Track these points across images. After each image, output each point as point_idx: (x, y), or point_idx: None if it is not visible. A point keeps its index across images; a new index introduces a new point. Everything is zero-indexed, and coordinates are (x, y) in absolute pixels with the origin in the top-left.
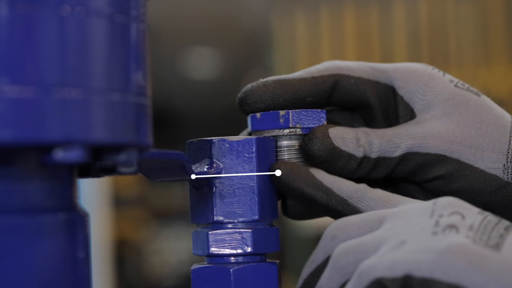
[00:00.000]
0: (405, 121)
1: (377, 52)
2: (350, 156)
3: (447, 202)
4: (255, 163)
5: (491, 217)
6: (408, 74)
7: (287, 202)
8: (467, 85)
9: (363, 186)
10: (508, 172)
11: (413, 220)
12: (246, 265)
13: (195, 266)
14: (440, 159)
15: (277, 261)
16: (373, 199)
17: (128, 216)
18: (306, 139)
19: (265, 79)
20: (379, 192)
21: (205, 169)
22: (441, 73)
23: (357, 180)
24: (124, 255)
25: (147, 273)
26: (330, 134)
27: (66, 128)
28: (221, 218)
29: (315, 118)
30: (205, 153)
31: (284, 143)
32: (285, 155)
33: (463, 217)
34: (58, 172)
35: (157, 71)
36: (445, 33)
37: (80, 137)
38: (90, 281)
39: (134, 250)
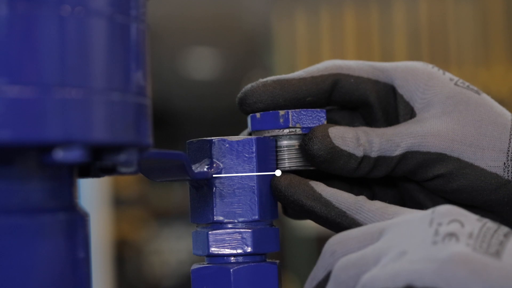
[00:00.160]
0: (405, 120)
1: (377, 52)
2: (350, 155)
3: (445, 210)
4: (255, 163)
5: (490, 224)
6: (408, 73)
7: None
8: (467, 84)
9: (361, 198)
10: (508, 171)
11: (413, 230)
12: (246, 265)
13: (195, 266)
14: (440, 157)
15: (277, 261)
16: (371, 210)
17: (128, 216)
18: (306, 139)
19: (265, 79)
20: (377, 204)
21: (205, 169)
22: (441, 71)
23: (357, 180)
24: (124, 255)
25: (147, 273)
26: (330, 134)
27: (66, 128)
28: (221, 218)
29: (315, 117)
30: (205, 153)
31: (284, 143)
32: (285, 155)
33: (462, 224)
34: (58, 172)
35: (157, 71)
36: (445, 33)
37: (80, 137)
38: (90, 281)
39: (134, 250)
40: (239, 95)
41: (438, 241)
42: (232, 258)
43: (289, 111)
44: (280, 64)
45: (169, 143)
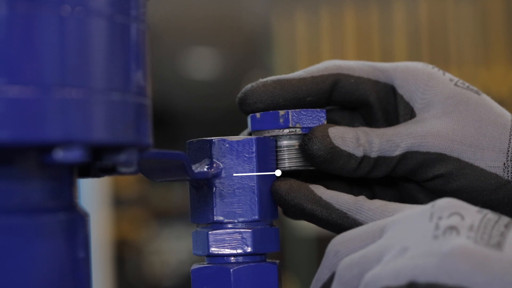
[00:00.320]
0: (405, 120)
1: (377, 52)
2: (350, 155)
3: (445, 203)
4: (255, 163)
5: (490, 215)
6: (408, 73)
7: None
8: (467, 84)
9: (361, 198)
10: (508, 171)
11: (413, 225)
12: (246, 265)
13: (195, 266)
14: (440, 158)
15: (277, 261)
16: (371, 209)
17: (128, 216)
18: (305, 139)
19: (264, 79)
20: (376, 203)
21: (205, 169)
22: (441, 72)
23: (357, 180)
24: (124, 255)
25: (147, 273)
26: (329, 134)
27: (66, 128)
28: (221, 218)
29: (315, 117)
30: (205, 153)
31: (284, 143)
32: (285, 155)
33: (462, 217)
34: (58, 172)
35: (157, 71)
36: (445, 33)
37: (80, 137)
38: (90, 281)
39: (134, 250)
40: (239, 95)
41: (439, 235)
42: (232, 258)
43: (289, 111)
44: (280, 64)
45: (169, 143)
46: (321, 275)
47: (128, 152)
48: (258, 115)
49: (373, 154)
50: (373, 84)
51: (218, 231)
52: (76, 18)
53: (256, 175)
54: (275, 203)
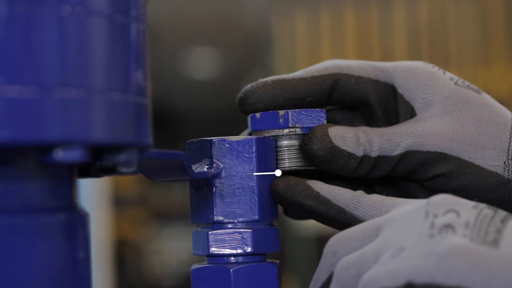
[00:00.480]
0: (406, 119)
1: (377, 52)
2: (350, 155)
3: (440, 200)
4: (255, 163)
5: (486, 210)
6: (408, 72)
7: None
8: (467, 83)
9: (359, 193)
10: (508, 170)
11: (409, 224)
12: (246, 265)
13: (195, 266)
14: (440, 157)
15: (277, 261)
16: (369, 205)
17: (128, 216)
18: (305, 139)
19: (264, 79)
20: (374, 197)
21: (205, 169)
22: (441, 71)
23: (358, 180)
24: (124, 255)
25: (147, 273)
26: (329, 133)
27: (66, 128)
28: (221, 218)
29: (315, 117)
30: (205, 153)
31: (284, 143)
32: (285, 155)
33: (458, 214)
34: (58, 172)
35: (157, 71)
36: (445, 33)
37: (80, 137)
38: (90, 281)
39: (134, 250)
40: (239, 95)
41: (434, 234)
42: (232, 258)
43: (289, 111)
44: (280, 64)
45: (169, 143)
46: (320, 275)
47: (128, 152)
48: (258, 115)
49: (373, 154)
50: (373, 84)
51: (218, 231)
52: (76, 18)
53: (256, 175)
54: (275, 203)
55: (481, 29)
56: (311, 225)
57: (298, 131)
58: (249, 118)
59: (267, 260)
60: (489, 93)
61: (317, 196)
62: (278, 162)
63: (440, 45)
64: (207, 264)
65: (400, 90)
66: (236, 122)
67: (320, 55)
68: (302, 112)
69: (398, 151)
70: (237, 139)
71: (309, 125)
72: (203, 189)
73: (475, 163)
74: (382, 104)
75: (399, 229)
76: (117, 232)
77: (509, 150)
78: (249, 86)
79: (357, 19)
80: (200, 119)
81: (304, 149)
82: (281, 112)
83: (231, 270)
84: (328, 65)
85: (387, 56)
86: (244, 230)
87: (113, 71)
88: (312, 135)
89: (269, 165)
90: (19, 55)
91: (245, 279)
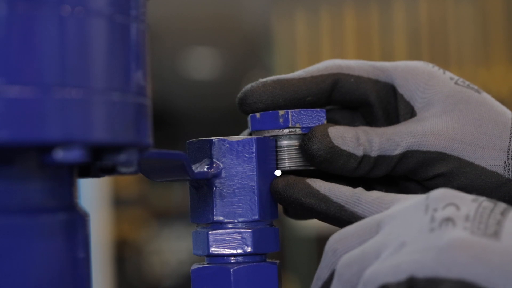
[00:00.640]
0: (406, 119)
1: (377, 52)
2: (350, 155)
3: (440, 194)
4: (255, 163)
5: (486, 203)
6: (408, 72)
7: None
8: (467, 83)
9: (358, 190)
10: (508, 169)
11: (409, 219)
12: (246, 265)
13: (195, 266)
14: (440, 157)
15: (277, 261)
16: (368, 201)
17: (128, 216)
18: (305, 139)
19: (264, 79)
20: (373, 194)
21: (205, 169)
22: (441, 71)
23: (358, 179)
24: (124, 255)
25: (147, 273)
26: (329, 133)
27: (66, 128)
28: (221, 218)
29: (315, 117)
30: (205, 153)
31: (284, 143)
32: (285, 155)
33: (457, 208)
34: (58, 172)
35: (157, 71)
36: (445, 33)
37: (80, 137)
38: (90, 281)
39: (134, 250)
40: (239, 95)
41: (435, 228)
42: (232, 258)
43: (289, 111)
44: (280, 64)
45: (169, 143)
46: (321, 273)
47: (128, 152)
48: (258, 115)
49: (373, 153)
50: (373, 84)
51: (218, 231)
52: (76, 18)
53: (256, 175)
54: (275, 202)
55: (481, 29)
56: (311, 225)
57: (298, 131)
58: (249, 118)
59: (267, 260)
60: (489, 93)
61: (316, 194)
62: (278, 162)
63: (440, 45)
64: (207, 264)
65: (400, 90)
66: (236, 122)
67: (320, 55)
68: (302, 112)
69: (398, 151)
70: (237, 139)
71: (309, 125)
72: (203, 189)
73: (475, 163)
74: (382, 104)
75: (399, 224)
76: (117, 232)
77: (509, 149)
78: (249, 86)
79: (357, 19)
80: (200, 119)
81: (304, 149)
82: (281, 112)
83: (231, 270)
84: (328, 65)
85: (387, 56)
86: (244, 230)
87: (113, 71)
88: (312, 135)
89: (269, 165)
90: (19, 55)
91: (245, 279)
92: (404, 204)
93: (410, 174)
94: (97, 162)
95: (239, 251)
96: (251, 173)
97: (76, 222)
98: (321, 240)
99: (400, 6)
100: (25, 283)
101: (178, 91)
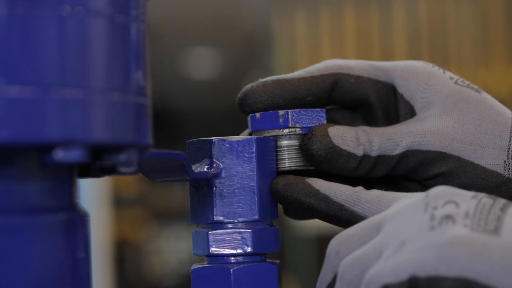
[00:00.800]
0: (406, 119)
1: (377, 52)
2: (350, 155)
3: (439, 192)
4: (255, 163)
5: (485, 199)
6: (408, 72)
7: None
8: (467, 82)
9: (358, 189)
10: (509, 169)
11: (409, 218)
12: (246, 265)
13: (195, 266)
14: (440, 156)
15: (277, 261)
16: (368, 200)
17: (128, 216)
18: (305, 139)
19: (264, 79)
20: (373, 193)
21: (205, 169)
22: (441, 70)
23: (358, 179)
24: (124, 255)
25: (147, 273)
26: (329, 133)
27: (66, 128)
28: (221, 218)
29: (315, 117)
30: (205, 153)
31: (284, 142)
32: (285, 155)
33: (457, 205)
34: (58, 172)
35: (157, 71)
36: (445, 33)
37: (80, 137)
38: (90, 281)
39: (134, 250)
40: (239, 95)
41: (435, 226)
42: (232, 258)
43: (289, 111)
44: (280, 64)
45: (169, 143)
46: (324, 276)
47: (128, 152)
48: (258, 115)
49: (373, 153)
50: (373, 83)
51: (218, 231)
52: (76, 18)
53: (256, 175)
54: (275, 202)
55: (481, 29)
56: (311, 225)
57: (298, 131)
58: (249, 118)
59: (267, 260)
60: (489, 93)
61: (316, 193)
62: (278, 162)
63: (440, 45)
64: (207, 264)
65: (400, 89)
66: (236, 122)
67: (320, 55)
68: (302, 112)
69: (398, 151)
70: (237, 139)
71: (309, 125)
72: (203, 189)
73: (475, 162)
74: (382, 104)
75: (399, 224)
76: (117, 232)
77: (509, 149)
78: (249, 86)
79: (357, 19)
80: (200, 119)
81: (304, 149)
82: (281, 112)
83: (231, 270)
84: (328, 64)
85: (387, 56)
86: (244, 230)
87: (113, 71)
88: (312, 135)
89: (269, 165)
90: (19, 55)
91: (245, 279)
92: (404, 203)
93: (410, 173)
94: (97, 162)
95: (239, 251)
96: (251, 173)
97: (76, 222)
98: (321, 240)
99: (400, 6)
100: (25, 283)
101: (178, 91)
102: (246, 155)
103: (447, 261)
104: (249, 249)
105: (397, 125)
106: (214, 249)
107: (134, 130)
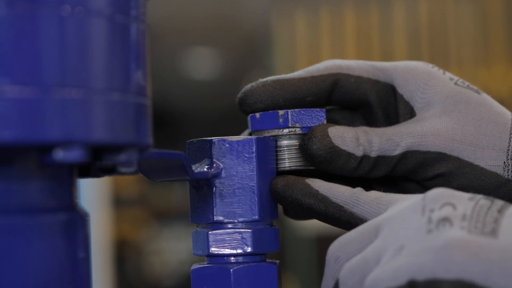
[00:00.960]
0: (405, 119)
1: (377, 52)
2: (350, 155)
3: (436, 194)
4: (255, 163)
5: (483, 201)
6: (408, 72)
7: None
8: (467, 83)
9: (357, 190)
10: (508, 170)
11: (407, 221)
12: (246, 265)
13: (195, 266)
14: (440, 157)
15: (277, 261)
16: (367, 202)
17: (128, 216)
18: (305, 139)
19: (264, 79)
20: (372, 194)
21: (205, 169)
22: (441, 71)
23: (357, 180)
24: (124, 255)
25: (147, 273)
26: (329, 133)
27: (66, 128)
28: (221, 218)
29: (315, 117)
30: (205, 153)
31: (284, 142)
32: (285, 155)
33: (454, 207)
34: (58, 172)
35: (157, 71)
36: (445, 33)
37: (80, 137)
38: (90, 281)
39: (134, 250)
40: (239, 95)
41: (432, 229)
42: (232, 258)
43: (289, 111)
44: (280, 64)
45: (169, 143)
46: (326, 283)
47: (128, 152)
48: (258, 115)
49: (373, 154)
50: (373, 84)
51: (218, 231)
52: (76, 18)
53: (256, 175)
54: (275, 202)
55: (481, 29)
56: (311, 225)
57: (298, 131)
58: (249, 118)
59: (267, 260)
60: (489, 93)
61: (316, 194)
62: (278, 162)
63: (440, 45)
64: (207, 264)
65: (400, 90)
66: (236, 122)
67: (320, 55)
68: (302, 112)
69: (397, 151)
70: (237, 139)
71: (309, 125)
72: (203, 189)
73: (475, 163)
74: (382, 104)
75: (397, 227)
76: (117, 232)
77: (508, 150)
78: (249, 86)
79: (357, 19)
80: (200, 119)
81: (304, 149)
82: (281, 112)
83: (231, 270)
84: (328, 65)
85: (387, 56)
86: (244, 230)
87: (113, 71)
88: (312, 135)
89: (269, 165)
90: (19, 55)
91: (245, 279)
92: (402, 206)
93: (409, 174)
94: (97, 162)
95: (239, 251)
96: (251, 173)
97: (76, 222)
98: (321, 240)
99: (400, 6)
100: (25, 283)
101: (178, 91)
102: (246, 155)
103: (445, 264)
104: (249, 249)
105: (397, 125)
106: (214, 249)
107: (134, 130)
